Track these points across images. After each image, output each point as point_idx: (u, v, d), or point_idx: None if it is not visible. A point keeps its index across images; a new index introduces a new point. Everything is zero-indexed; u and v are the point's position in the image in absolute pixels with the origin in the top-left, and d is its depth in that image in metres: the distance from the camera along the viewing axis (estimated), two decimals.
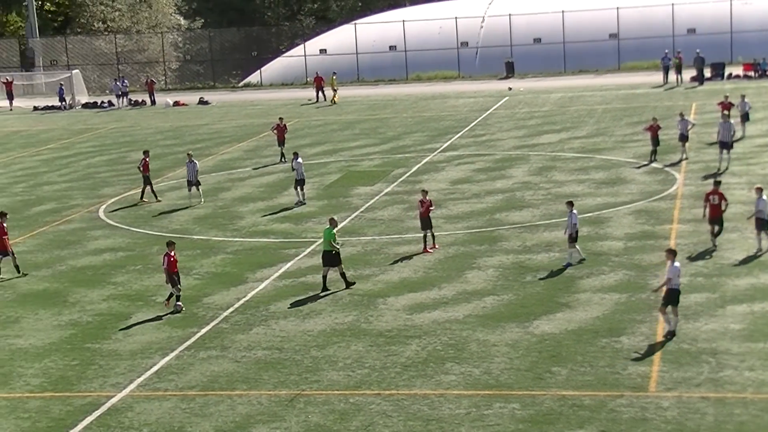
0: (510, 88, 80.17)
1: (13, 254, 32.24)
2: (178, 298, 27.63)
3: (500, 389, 21.27)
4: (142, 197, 42.37)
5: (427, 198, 32.76)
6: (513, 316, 25.85)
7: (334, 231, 29.14)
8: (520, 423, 19.62)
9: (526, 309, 26.34)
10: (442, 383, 21.72)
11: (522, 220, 36.02)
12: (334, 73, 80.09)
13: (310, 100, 79.78)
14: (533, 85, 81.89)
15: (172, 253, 27.61)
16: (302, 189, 40.40)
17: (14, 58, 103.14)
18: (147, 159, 42.76)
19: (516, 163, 47.22)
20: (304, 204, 39.95)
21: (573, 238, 30.13)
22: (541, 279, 28.95)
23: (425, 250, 32.32)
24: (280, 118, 51.91)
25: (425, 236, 32.60)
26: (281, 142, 50.26)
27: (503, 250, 32.19)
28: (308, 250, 33.37)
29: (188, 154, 42.68)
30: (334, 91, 77.14)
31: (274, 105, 78.61)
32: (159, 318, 27.18)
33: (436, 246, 32.64)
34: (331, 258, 28.80)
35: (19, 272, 32.17)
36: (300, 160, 40.58)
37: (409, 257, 31.77)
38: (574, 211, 30.31)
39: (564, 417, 19.82)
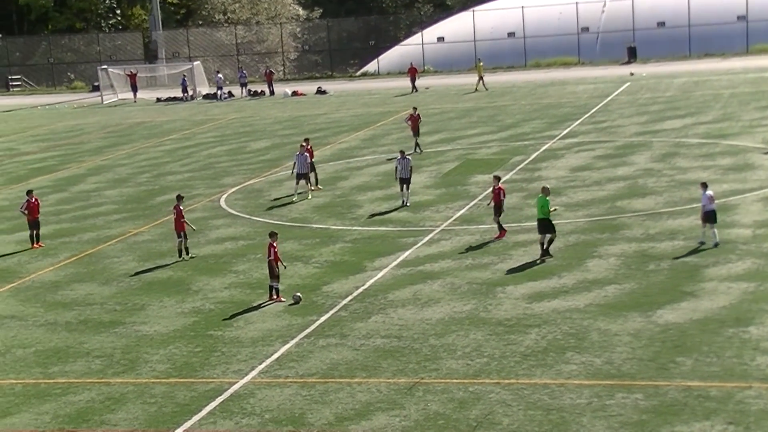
0: (632, 74, 79.08)
1: (185, 236, 32.89)
2: (277, 292, 27.72)
3: (622, 379, 21.04)
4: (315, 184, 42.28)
5: (500, 185, 32.63)
6: (635, 305, 25.53)
7: (548, 199, 30.18)
8: (643, 414, 19.38)
9: (649, 298, 25.98)
10: (563, 373, 21.57)
11: (644, 207, 35.51)
12: (479, 59, 79.91)
13: (428, 88, 79.86)
14: (656, 70, 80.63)
15: (275, 244, 27.65)
16: (407, 188, 38.47)
17: (138, 51, 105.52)
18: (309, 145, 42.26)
19: (638, 150, 46.56)
20: (408, 206, 37.91)
21: (707, 219, 30.01)
22: (664, 267, 28.51)
23: (499, 236, 32.55)
24: (414, 108, 51.17)
25: (497, 224, 32.76)
26: (416, 132, 49.67)
27: (625, 238, 31.79)
28: (426, 238, 33.43)
29: (301, 145, 42.88)
30: (481, 77, 76.93)
31: (391, 94, 78.89)
32: (276, 306, 27.52)
33: (500, 235, 32.61)
34: (546, 225, 29.92)
35: (187, 254, 32.85)
36: (408, 158, 38.95)
37: (528, 245, 31.59)
38: (708, 192, 30.13)
39: (689, 408, 19.51)
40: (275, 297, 27.71)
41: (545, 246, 30.29)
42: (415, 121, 49.53)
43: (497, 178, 33.28)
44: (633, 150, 46.63)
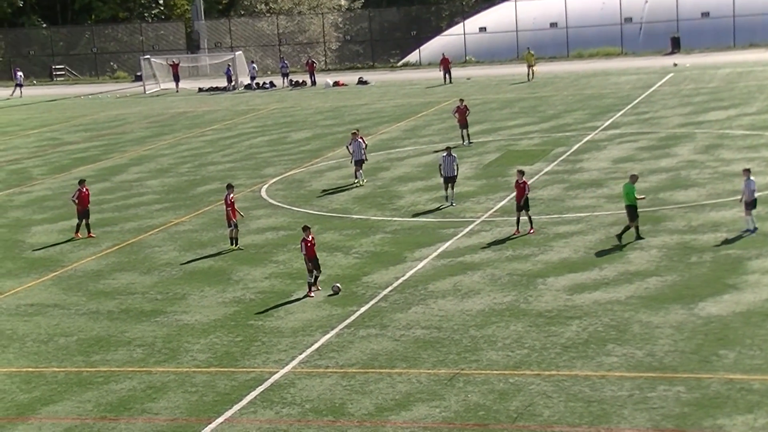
0: (675, 64, 78.52)
1: (236, 226, 32.91)
2: (313, 282, 27.49)
3: (664, 372, 20.92)
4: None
5: (523, 179, 32.22)
6: (677, 297, 25.37)
7: (634, 186, 30.48)
8: (685, 406, 19.27)
9: (691, 290, 25.81)
10: (604, 364, 21.48)
11: (687, 199, 35.27)
12: (528, 48, 79.69)
13: (469, 78, 79.64)
14: (700, 61, 80.00)
15: (309, 238, 27.44)
16: (452, 187, 36.75)
17: (180, 41, 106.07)
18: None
19: (681, 141, 46.24)
20: (453, 206, 36.41)
21: (749, 206, 30.11)
22: (707, 260, 28.31)
23: (516, 232, 32.07)
24: (461, 100, 50.60)
25: (517, 219, 32.22)
26: (463, 125, 49.10)
27: (667, 230, 31.59)
28: (467, 229, 33.38)
29: (353, 133, 43.02)
30: (530, 67, 76.70)
31: (432, 84, 78.78)
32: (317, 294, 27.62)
33: (532, 230, 32.16)
34: (632, 212, 30.36)
35: (235, 244, 32.94)
36: (454, 156, 36.88)
37: (569, 237, 31.48)
38: (752, 178, 30.27)
39: (732, 401, 19.37)
40: (312, 290, 27.58)
41: (637, 230, 30.57)
42: (462, 112, 49.08)
43: (521, 172, 32.79)
44: (676, 141, 46.31)
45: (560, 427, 18.77)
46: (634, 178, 31.14)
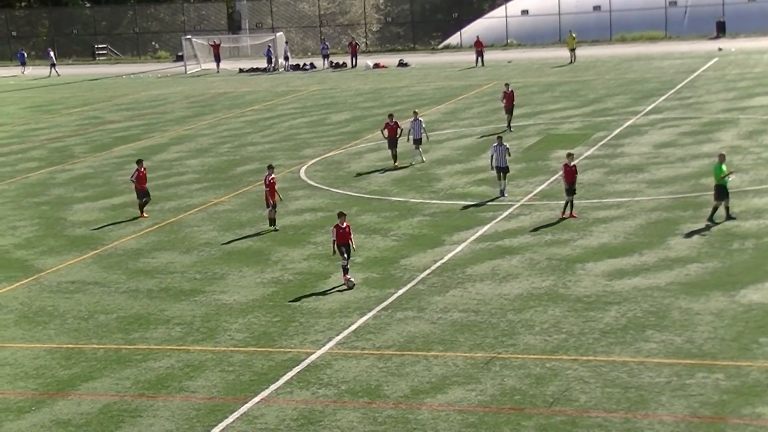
0: (720, 49, 77.79)
1: (274, 206, 32.95)
2: (346, 271, 27.07)
3: (703, 359, 20.81)
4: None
5: (573, 163, 31.93)
6: (718, 284, 25.21)
7: (723, 166, 30.23)
8: (724, 394, 19.17)
9: (732, 277, 25.63)
10: (642, 351, 21.40)
11: (730, 185, 34.93)
12: (571, 31, 79.47)
13: (510, 61, 79.28)
14: (746, 46, 79.21)
15: (344, 225, 26.92)
16: (504, 177, 35.35)
17: (222, 21, 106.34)
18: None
19: (724, 127, 45.87)
20: (505, 196, 35.12)
21: None
22: (749, 247, 28.09)
23: (563, 215, 31.95)
24: (506, 85, 49.63)
25: (567, 203, 32.06)
26: (509, 110, 48.23)
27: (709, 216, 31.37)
28: (506, 213, 33.31)
29: (414, 112, 43.12)
30: (572, 50, 76.51)
31: (473, 69, 78.55)
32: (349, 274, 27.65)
33: (574, 215, 31.99)
34: (721, 191, 30.31)
35: (274, 225, 33.01)
36: (505, 145, 35.41)
37: (609, 222, 31.34)
38: None
39: None
40: (348, 277, 27.02)
41: (727, 210, 30.53)
42: (509, 98, 48.15)
43: (571, 155, 32.57)
44: (719, 127, 45.94)
45: (597, 412, 18.73)
46: (722, 158, 30.75)
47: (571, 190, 31.97)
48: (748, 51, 75.93)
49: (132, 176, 36.11)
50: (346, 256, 26.91)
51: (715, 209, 30.58)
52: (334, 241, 27.05)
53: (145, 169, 36.31)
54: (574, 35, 77.48)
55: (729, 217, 30.50)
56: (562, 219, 31.81)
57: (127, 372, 21.99)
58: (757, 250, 27.71)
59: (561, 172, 32.51)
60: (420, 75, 76.40)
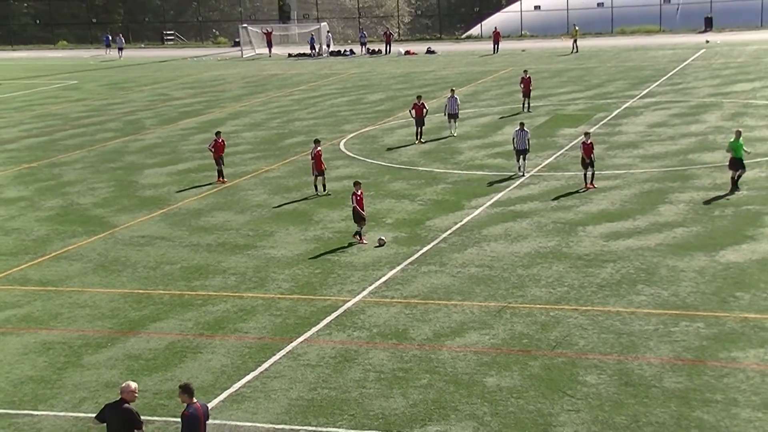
0: (707, 41, 76.93)
1: (321, 174, 32.64)
2: (360, 235, 27.06)
3: (686, 310, 20.78)
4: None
5: (590, 141, 31.57)
6: (701, 245, 25.10)
7: (741, 141, 30.13)
8: (704, 340, 19.16)
9: (713, 240, 25.52)
10: (634, 302, 21.39)
11: (713, 160, 34.73)
12: (575, 25, 79.42)
13: (524, 50, 78.71)
14: (730, 39, 78.23)
15: (359, 192, 26.90)
16: (524, 159, 34.09)
17: (273, 12, 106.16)
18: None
19: (710, 109, 45.45)
20: (524, 175, 33.90)
21: None
22: (728, 214, 27.93)
23: (587, 187, 31.53)
24: (525, 71, 49.22)
25: (585, 175, 31.68)
26: (526, 94, 47.65)
27: (694, 187, 31.19)
28: (517, 182, 33.21)
29: (451, 90, 43.09)
30: (575, 41, 76.25)
31: (491, 56, 78.12)
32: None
33: (594, 185, 31.63)
34: (736, 163, 30.09)
35: (324, 190, 32.83)
36: (527, 130, 34.16)
37: (608, 191, 31.19)
38: None
39: (745, 337, 19.21)
40: (359, 238, 27.11)
41: (736, 180, 30.23)
42: (527, 83, 47.61)
43: (588, 134, 32.13)
44: (705, 109, 45.52)
45: (593, 355, 18.77)
46: (738, 133, 30.47)
47: (591, 164, 31.65)
48: (731, 43, 75.00)
49: (210, 145, 35.75)
50: (361, 221, 26.93)
51: (733, 179, 30.37)
52: (355, 206, 26.89)
53: (222, 140, 35.71)
54: (577, 28, 76.97)
55: (735, 187, 30.15)
56: (589, 190, 31.38)
57: (189, 314, 22.18)
58: (736, 217, 27.55)
59: (580, 148, 32.10)
60: (445, 61, 75.98)
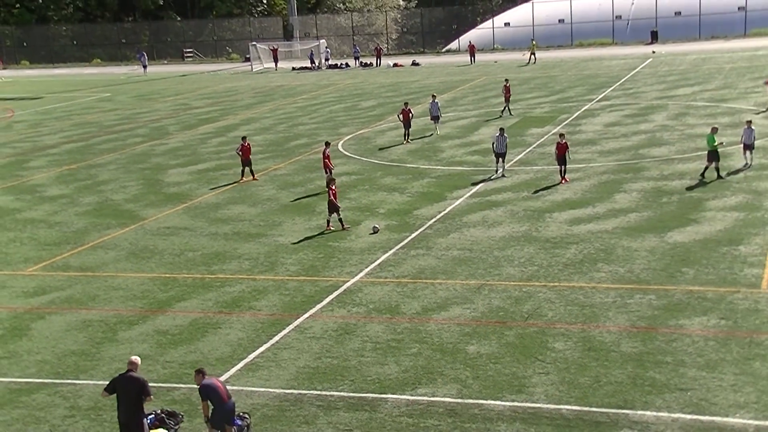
0: (654, 52, 76.85)
1: (330, 172, 31.64)
2: (341, 222, 26.79)
3: (640, 284, 20.72)
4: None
5: (564, 140, 31.13)
6: (651, 228, 25.04)
7: (715, 136, 29.55)
8: (655, 310, 19.10)
9: (662, 223, 25.46)
10: (594, 278, 21.32)
11: (660, 154, 34.67)
12: (533, 39, 79.53)
13: (496, 61, 78.48)
14: (673, 49, 78.16)
15: (333, 188, 26.57)
16: (503, 161, 32.80)
17: (278, 31, 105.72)
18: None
19: (657, 110, 45.36)
20: (504, 177, 32.52)
21: (748, 147, 30.91)
22: (674, 200, 27.87)
23: (562, 180, 31.03)
24: (506, 80, 48.95)
25: (561, 170, 31.13)
26: (507, 99, 47.00)
27: (645, 177, 31.11)
28: (493, 176, 33.06)
29: (432, 95, 42.80)
30: (533, 54, 76.18)
31: (468, 67, 77.89)
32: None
33: (567, 179, 31.22)
34: (713, 155, 29.64)
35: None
36: (506, 136, 32.63)
37: (570, 182, 31.09)
38: (753, 128, 31.04)
39: (691, 307, 19.16)
40: (341, 226, 26.77)
41: (717, 171, 29.79)
42: (508, 90, 47.08)
43: (562, 135, 31.58)
44: (653, 110, 45.44)
45: (560, 324, 18.70)
46: (714, 130, 29.88)
47: (563, 160, 31.05)
48: (674, 53, 74.90)
49: (237, 149, 34.96)
50: (332, 212, 26.68)
51: (706, 168, 30.00)
52: (331, 199, 26.56)
53: (248, 144, 34.60)
54: (535, 42, 77.10)
55: (719, 177, 29.74)
56: (566, 183, 30.75)
57: (209, 295, 22.07)
58: (681, 203, 27.49)
59: (555, 147, 31.64)
60: (428, 72, 75.74)
